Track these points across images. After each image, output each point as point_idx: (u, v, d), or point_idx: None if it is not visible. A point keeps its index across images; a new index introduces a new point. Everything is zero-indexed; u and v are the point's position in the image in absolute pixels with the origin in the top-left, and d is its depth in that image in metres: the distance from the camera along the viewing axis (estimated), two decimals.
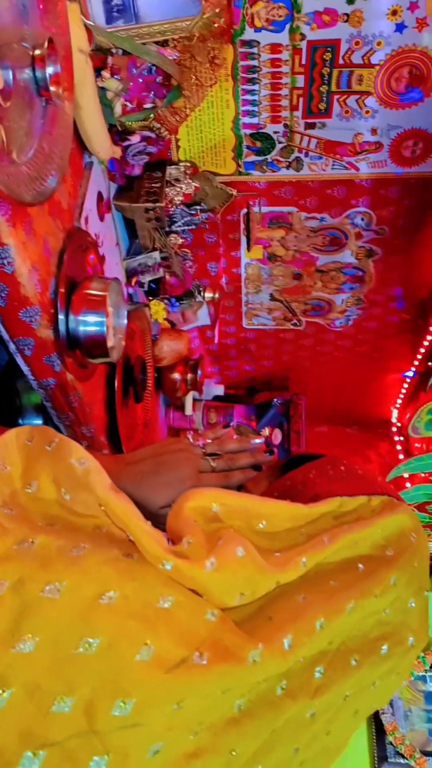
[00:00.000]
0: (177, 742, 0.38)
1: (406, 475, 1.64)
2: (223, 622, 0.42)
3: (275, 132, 1.14)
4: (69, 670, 0.37)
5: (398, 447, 2.05)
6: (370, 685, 0.50)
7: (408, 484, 1.68)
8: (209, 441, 0.66)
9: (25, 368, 0.82)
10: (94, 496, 0.45)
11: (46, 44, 0.71)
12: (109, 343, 0.87)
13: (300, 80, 1.05)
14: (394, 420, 2.04)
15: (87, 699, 0.36)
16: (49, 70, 0.73)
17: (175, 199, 1.16)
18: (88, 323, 0.84)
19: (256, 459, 0.64)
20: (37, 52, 0.71)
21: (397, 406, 1.99)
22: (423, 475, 1.57)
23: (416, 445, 1.97)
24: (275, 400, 1.93)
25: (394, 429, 2.06)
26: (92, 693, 0.36)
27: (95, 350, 0.87)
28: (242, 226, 1.34)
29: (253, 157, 1.19)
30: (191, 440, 0.66)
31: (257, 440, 0.67)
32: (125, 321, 0.93)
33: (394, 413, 2.03)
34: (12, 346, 0.79)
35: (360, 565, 0.50)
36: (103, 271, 1.02)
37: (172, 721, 0.37)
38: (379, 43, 0.98)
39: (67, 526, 0.45)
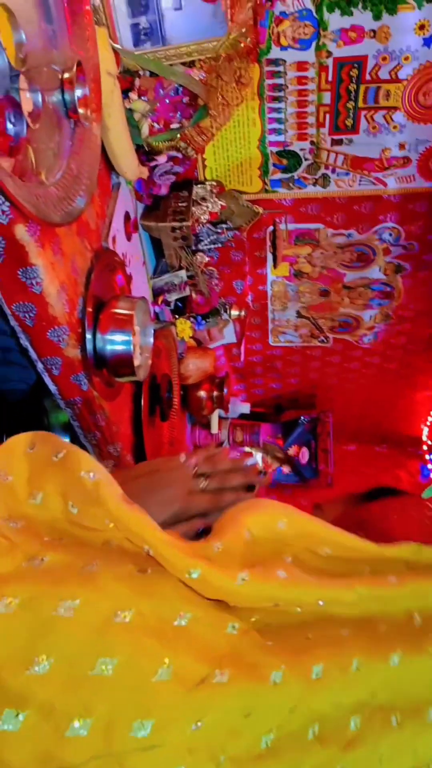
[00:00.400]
0: (201, 764, 0.36)
1: None
2: (244, 634, 0.40)
3: (302, 149, 1.14)
4: (86, 691, 0.35)
5: (429, 466, 2.00)
6: (411, 752, 0.46)
7: None
8: (202, 460, 0.64)
9: (52, 387, 0.82)
10: (105, 510, 0.43)
11: (74, 68, 0.72)
12: (136, 362, 0.86)
13: (326, 97, 1.04)
14: (424, 438, 2.00)
15: (105, 720, 0.35)
16: (78, 92, 0.73)
17: (202, 218, 1.16)
18: (115, 342, 0.84)
19: (248, 479, 0.62)
20: (66, 75, 0.72)
21: (428, 423, 1.94)
22: None
23: None
24: (302, 418, 1.90)
25: (425, 447, 2.01)
26: (110, 714, 0.35)
27: (122, 369, 0.86)
28: (268, 243, 1.33)
29: (279, 175, 1.19)
30: (184, 459, 0.64)
31: (251, 460, 0.66)
32: (152, 339, 0.93)
33: (425, 431, 1.98)
34: (40, 366, 0.79)
35: (417, 617, 0.46)
36: (130, 290, 1.02)
37: (193, 742, 0.36)
38: (406, 58, 0.98)
39: (75, 541, 0.43)
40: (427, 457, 2.00)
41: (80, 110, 0.75)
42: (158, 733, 0.35)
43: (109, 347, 0.84)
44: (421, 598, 0.46)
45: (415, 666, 0.44)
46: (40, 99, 0.66)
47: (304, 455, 1.93)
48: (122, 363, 0.85)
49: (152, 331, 0.93)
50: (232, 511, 0.48)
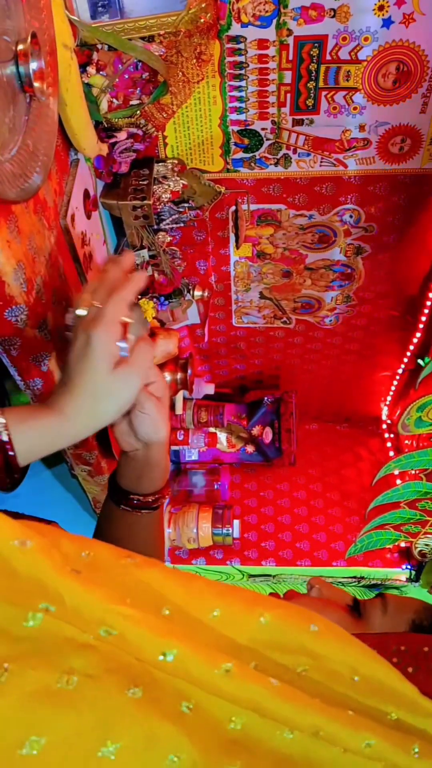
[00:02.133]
0: None
1: (396, 473, 1.64)
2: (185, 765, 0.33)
3: (263, 129, 1.13)
4: None
5: (388, 444, 2.06)
6: None
7: (399, 481, 1.68)
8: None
9: (11, 369, 0.81)
10: (42, 586, 0.34)
11: (29, 39, 0.70)
12: None
13: (287, 76, 1.04)
14: (384, 417, 2.04)
15: None
16: (33, 65, 0.71)
17: (163, 196, 1.15)
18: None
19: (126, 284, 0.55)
20: (20, 47, 0.70)
21: (387, 403, 1.99)
22: (413, 472, 1.58)
23: (406, 442, 1.98)
24: (266, 398, 1.92)
25: (384, 426, 2.06)
26: None
27: None
28: (231, 223, 1.33)
29: (240, 154, 1.18)
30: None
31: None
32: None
33: (384, 410, 2.03)
34: None
35: None
36: (92, 268, 1.01)
37: None
38: (366, 39, 0.98)
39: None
40: (386, 435, 2.05)
41: (36, 84, 0.73)
42: None
43: None
44: None
45: None
46: None
47: (268, 435, 1.96)
48: None
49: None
50: (254, 594, 0.41)
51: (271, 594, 0.62)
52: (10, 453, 0.49)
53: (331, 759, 0.35)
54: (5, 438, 0.49)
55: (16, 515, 0.51)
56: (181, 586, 0.40)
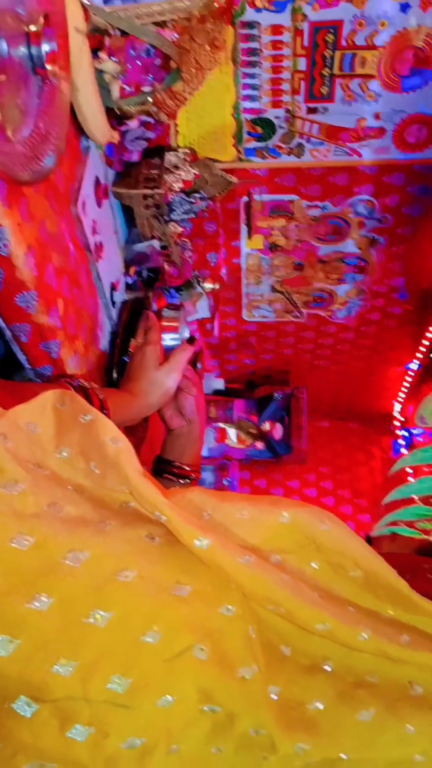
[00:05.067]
0: (155, 747, 0.37)
1: (409, 469, 1.61)
2: (236, 619, 0.41)
3: (276, 117, 1.12)
4: (77, 635, 0.37)
5: (401, 442, 2.03)
6: None
7: (410, 479, 1.66)
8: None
9: (21, 356, 0.80)
10: (123, 477, 0.45)
11: (41, 20, 0.69)
12: None
13: (302, 63, 1.03)
14: (396, 414, 2.02)
15: (88, 666, 0.37)
16: (45, 47, 0.70)
17: (174, 186, 1.14)
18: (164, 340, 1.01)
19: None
20: (33, 28, 0.69)
21: (400, 399, 1.97)
22: (426, 467, 1.55)
23: (419, 439, 1.96)
24: (276, 394, 1.90)
25: (397, 423, 2.04)
26: (94, 662, 0.37)
27: None
28: (242, 215, 1.32)
29: (253, 143, 1.17)
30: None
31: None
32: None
33: (397, 407, 2.01)
34: (8, 333, 0.77)
35: (418, 687, 0.42)
36: (102, 257, 1.00)
37: (158, 719, 0.37)
38: (382, 24, 0.96)
39: (95, 498, 0.45)
40: (398, 432, 2.03)
41: (48, 66, 0.72)
42: (132, 694, 0.37)
43: (164, 344, 0.97)
44: (427, 672, 0.43)
45: (392, 733, 0.41)
46: (5, 48, 0.63)
47: (278, 431, 1.94)
48: None
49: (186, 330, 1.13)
50: (277, 498, 0.50)
51: None
52: (106, 412, 0.67)
53: (320, 642, 0.42)
54: (102, 396, 0.69)
55: None
56: (215, 496, 0.49)
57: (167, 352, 0.91)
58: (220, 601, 0.41)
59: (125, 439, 0.47)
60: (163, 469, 0.89)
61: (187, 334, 1.08)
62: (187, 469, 0.88)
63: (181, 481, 0.88)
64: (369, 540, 0.64)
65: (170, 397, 0.86)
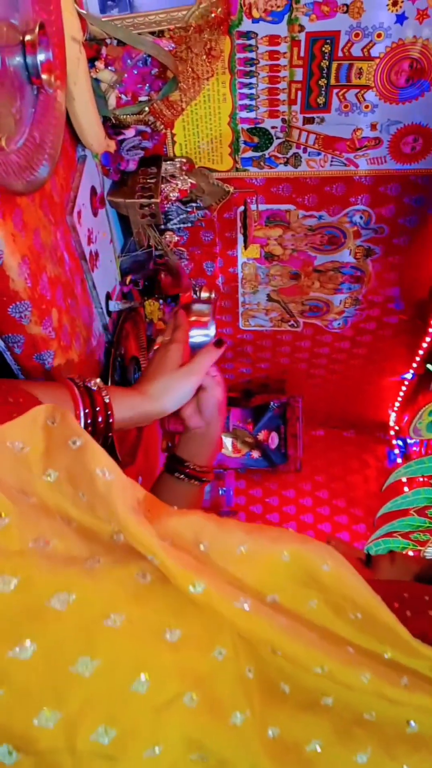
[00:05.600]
0: None
1: (404, 480, 1.61)
2: (228, 662, 0.39)
3: (273, 127, 1.12)
4: (62, 684, 0.36)
5: (396, 451, 2.03)
6: None
7: (406, 489, 1.65)
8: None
9: (14, 367, 0.79)
10: (113, 514, 0.43)
11: (37, 29, 0.69)
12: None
13: (298, 73, 1.03)
14: (391, 423, 2.02)
15: (72, 717, 0.35)
16: (41, 56, 0.70)
17: (171, 195, 1.13)
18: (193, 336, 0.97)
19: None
20: (28, 37, 0.68)
21: (395, 409, 1.96)
22: (422, 479, 1.55)
23: (414, 449, 1.95)
24: (272, 403, 1.90)
25: (392, 432, 2.03)
26: (78, 712, 0.35)
27: None
28: (239, 224, 1.31)
29: (250, 153, 1.16)
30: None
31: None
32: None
33: (392, 416, 2.00)
34: (1, 344, 0.76)
35: (414, 724, 0.42)
36: (98, 266, 1.00)
37: None
38: (379, 35, 0.96)
39: (83, 528, 0.43)
40: (393, 442, 2.03)
41: (44, 76, 0.71)
42: (118, 746, 0.35)
43: (191, 340, 0.94)
44: (425, 713, 0.42)
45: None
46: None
47: (274, 440, 1.93)
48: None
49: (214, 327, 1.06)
50: (278, 531, 0.47)
51: None
52: (110, 420, 0.65)
53: (318, 684, 0.41)
54: (107, 399, 0.66)
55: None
56: (215, 525, 0.47)
57: (194, 350, 0.87)
58: (212, 644, 0.40)
59: (117, 470, 0.45)
60: (174, 468, 0.87)
61: (214, 332, 1.03)
62: (199, 470, 0.86)
63: (193, 481, 0.85)
64: (369, 558, 0.63)
65: (188, 400, 0.81)
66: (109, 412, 0.66)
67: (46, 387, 0.64)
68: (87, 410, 0.63)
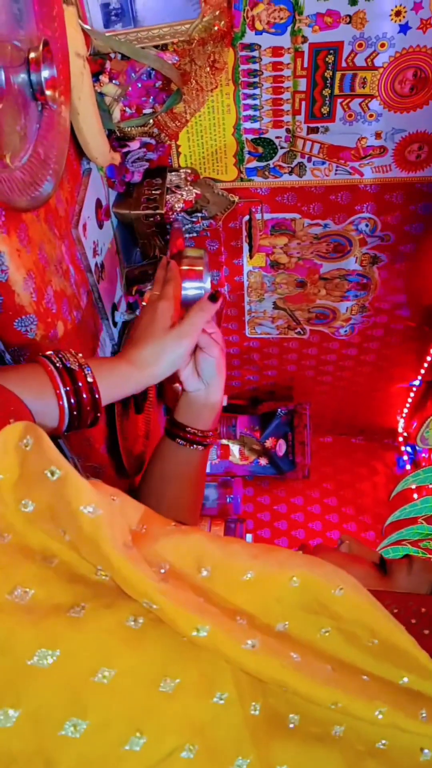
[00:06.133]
0: None
1: (413, 487, 1.60)
2: (230, 705, 0.37)
3: (277, 137, 1.12)
4: (50, 750, 0.33)
5: (405, 458, 2.02)
6: None
7: (416, 495, 1.64)
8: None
9: None
10: (100, 556, 0.39)
11: (41, 47, 0.69)
12: None
13: (302, 84, 1.03)
14: (400, 430, 2.01)
15: None
16: (45, 73, 0.70)
17: (176, 206, 1.14)
18: (187, 288, 0.92)
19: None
20: (32, 55, 0.69)
21: (404, 415, 1.95)
22: (431, 486, 1.54)
23: (423, 455, 1.94)
24: (279, 410, 1.90)
25: (401, 439, 2.02)
26: None
27: None
28: (244, 233, 1.31)
29: (254, 163, 1.17)
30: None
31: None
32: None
33: (401, 423, 1.99)
34: (8, 357, 0.77)
35: (427, 753, 0.40)
36: (104, 278, 1.00)
37: None
38: (382, 45, 0.96)
39: (66, 569, 0.40)
40: (402, 448, 2.02)
41: (48, 92, 0.72)
42: None
43: (183, 293, 0.85)
44: None
45: None
46: (3, 78, 0.63)
47: (281, 447, 1.93)
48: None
49: (209, 278, 0.97)
50: (287, 555, 0.44)
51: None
52: (96, 396, 0.60)
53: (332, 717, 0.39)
54: (90, 379, 0.60)
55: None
56: (219, 549, 0.44)
57: (187, 304, 0.77)
58: (212, 689, 0.37)
59: (103, 504, 0.40)
60: (175, 434, 0.81)
61: (209, 285, 0.90)
62: (201, 435, 0.80)
63: (195, 447, 0.80)
64: (383, 562, 0.62)
65: (182, 363, 0.73)
66: (96, 394, 0.60)
67: (18, 371, 0.60)
68: (68, 388, 0.58)
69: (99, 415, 0.62)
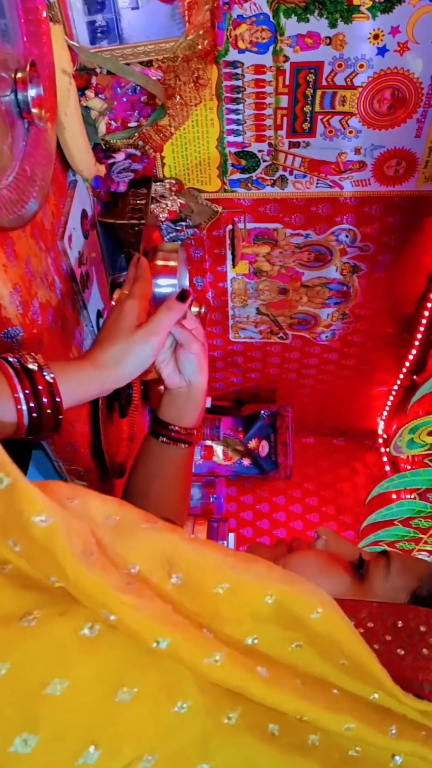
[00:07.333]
0: None
1: (392, 492, 1.64)
2: (194, 714, 0.36)
3: (260, 150, 1.15)
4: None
5: (384, 459, 2.06)
6: None
7: (394, 496, 1.68)
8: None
9: None
10: (56, 567, 0.37)
11: (28, 67, 0.72)
12: None
13: (284, 100, 1.06)
14: (380, 431, 2.05)
15: None
16: (32, 92, 0.73)
17: (161, 215, 1.16)
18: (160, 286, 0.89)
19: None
20: (19, 75, 0.71)
21: (383, 417, 2.00)
22: (405, 493, 1.58)
23: (402, 457, 1.98)
24: (262, 411, 1.93)
25: (380, 440, 2.07)
26: None
27: None
28: (228, 241, 1.34)
29: (238, 175, 1.20)
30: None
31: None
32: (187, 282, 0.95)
33: (380, 425, 2.04)
34: None
35: (398, 759, 0.39)
36: (88, 286, 1.03)
37: None
38: (361, 66, 1.00)
39: (18, 574, 0.38)
40: (382, 450, 2.06)
41: (34, 110, 0.74)
42: None
43: (156, 290, 0.82)
44: (411, 757, 0.39)
45: None
46: None
47: (264, 448, 1.96)
48: None
49: (187, 274, 0.93)
50: (266, 567, 0.43)
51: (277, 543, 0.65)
52: (57, 399, 0.58)
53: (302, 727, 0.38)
54: (50, 380, 0.57)
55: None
56: (195, 554, 0.42)
57: (160, 302, 0.74)
58: (173, 698, 0.35)
59: (56, 511, 0.38)
60: (159, 432, 0.80)
61: (187, 282, 0.86)
62: (185, 433, 0.79)
63: (180, 445, 0.79)
64: (361, 561, 0.59)
65: (152, 363, 0.70)
66: (57, 397, 0.57)
67: None
68: (27, 391, 0.55)
69: (61, 417, 0.59)
